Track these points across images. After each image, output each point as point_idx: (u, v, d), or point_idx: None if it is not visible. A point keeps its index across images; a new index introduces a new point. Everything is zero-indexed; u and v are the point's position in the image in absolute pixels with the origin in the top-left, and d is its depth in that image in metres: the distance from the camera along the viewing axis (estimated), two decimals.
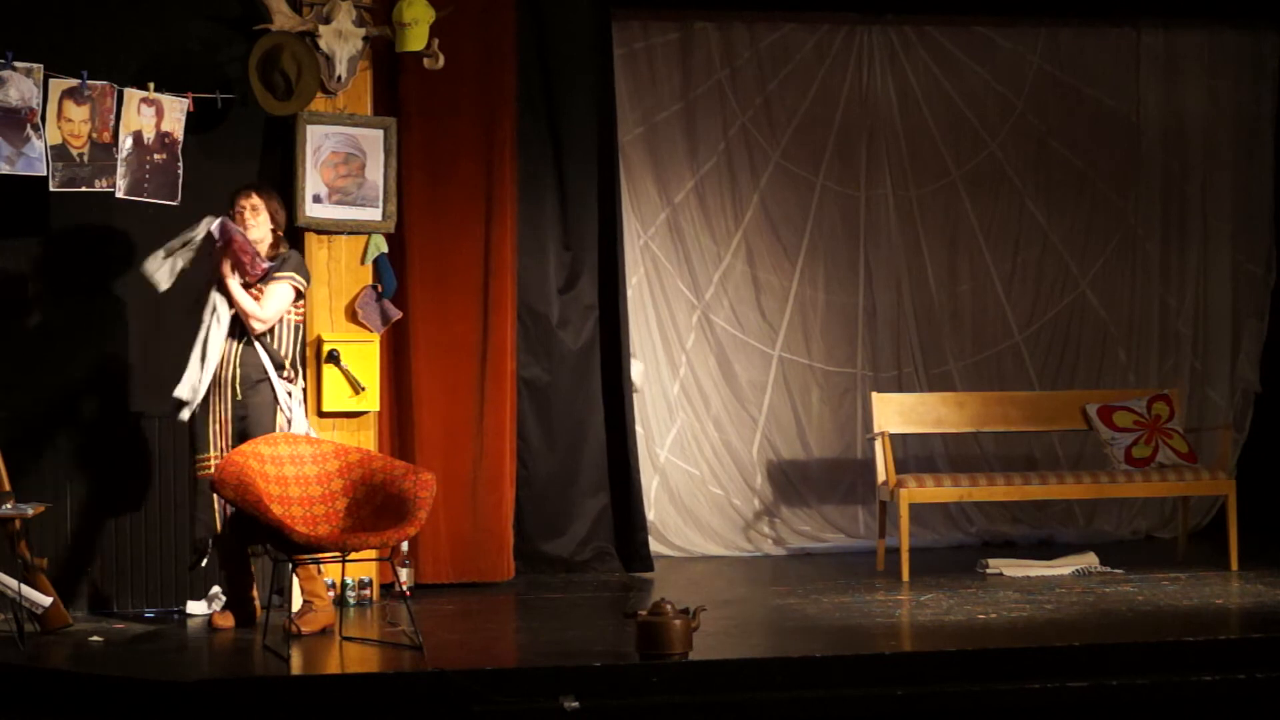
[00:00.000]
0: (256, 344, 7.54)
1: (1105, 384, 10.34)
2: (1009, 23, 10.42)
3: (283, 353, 7.60)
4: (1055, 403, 9.70)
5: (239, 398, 7.52)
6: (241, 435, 7.49)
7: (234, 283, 7.53)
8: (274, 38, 8.11)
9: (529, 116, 9.10)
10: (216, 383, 7.56)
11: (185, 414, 7.52)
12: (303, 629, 7.31)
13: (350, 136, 8.32)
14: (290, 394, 7.59)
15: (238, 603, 7.61)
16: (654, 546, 9.47)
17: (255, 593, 7.65)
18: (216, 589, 7.97)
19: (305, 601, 7.51)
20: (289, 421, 7.55)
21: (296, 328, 7.68)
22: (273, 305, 7.53)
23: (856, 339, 10.32)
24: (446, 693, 6.20)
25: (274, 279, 7.56)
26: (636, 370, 9.61)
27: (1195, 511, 10.23)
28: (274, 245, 7.66)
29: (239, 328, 7.56)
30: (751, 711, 6.34)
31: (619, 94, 9.62)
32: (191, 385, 7.49)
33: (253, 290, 7.56)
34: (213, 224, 7.49)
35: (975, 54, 10.43)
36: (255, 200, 7.65)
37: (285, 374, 7.60)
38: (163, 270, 7.62)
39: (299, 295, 7.64)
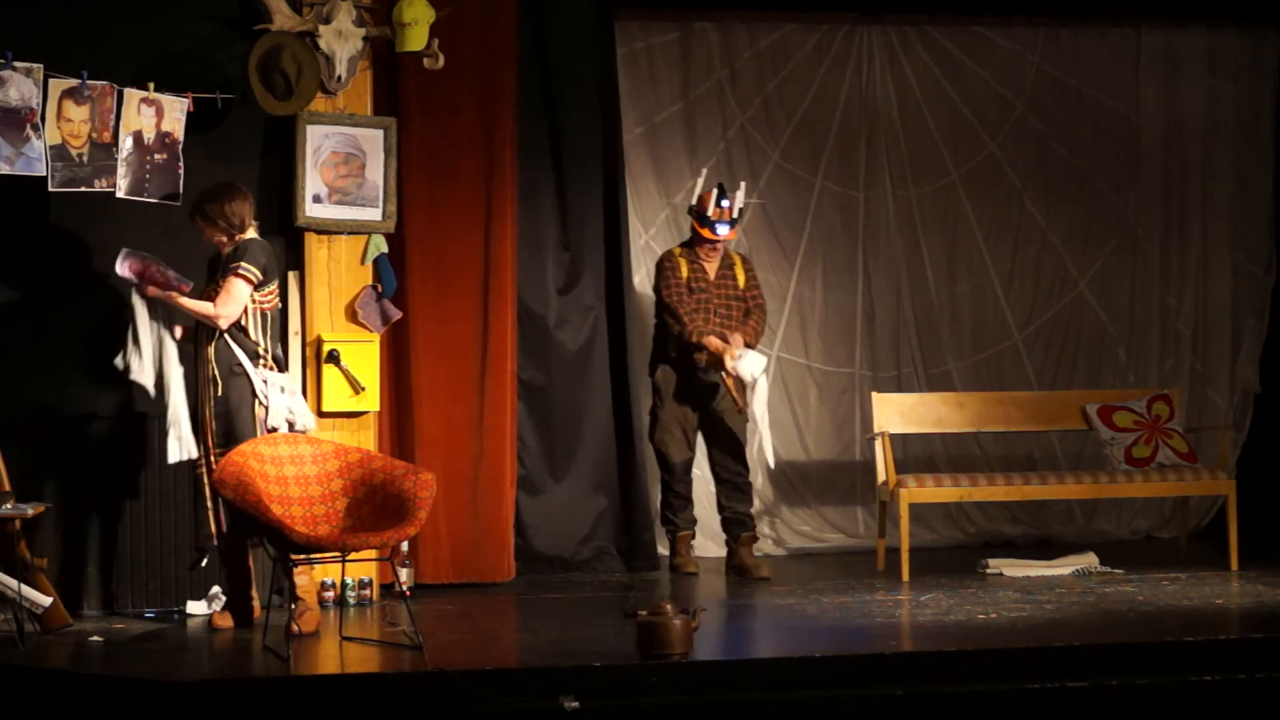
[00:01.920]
0: (228, 337, 7.53)
1: (1105, 384, 10.34)
2: (1009, 23, 10.42)
3: (253, 340, 7.56)
4: (1055, 403, 9.70)
5: (219, 394, 7.52)
6: (225, 431, 7.48)
7: (183, 300, 7.52)
8: (274, 38, 8.11)
9: (529, 116, 9.10)
10: (197, 384, 7.59)
11: (134, 374, 7.63)
12: (303, 629, 7.33)
13: (350, 136, 8.32)
14: (267, 381, 7.55)
15: (237, 602, 7.61)
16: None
17: (255, 592, 7.66)
18: (216, 589, 7.97)
19: (298, 599, 7.51)
20: (266, 410, 7.51)
21: (265, 315, 7.59)
22: (229, 301, 7.47)
23: (855, 339, 10.32)
24: (446, 693, 6.20)
25: (228, 272, 7.52)
26: (755, 363, 8.87)
27: (1195, 511, 10.23)
28: (231, 242, 7.63)
29: (209, 327, 7.54)
30: (751, 711, 6.34)
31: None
32: (128, 362, 7.62)
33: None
34: (119, 267, 7.52)
35: (975, 54, 10.43)
36: (199, 224, 7.63)
37: (264, 363, 7.57)
38: (140, 366, 7.65)
39: (259, 284, 7.55)
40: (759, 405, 8.92)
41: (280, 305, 7.74)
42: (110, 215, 8.07)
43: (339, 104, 8.33)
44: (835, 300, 10.31)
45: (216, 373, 7.51)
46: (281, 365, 7.69)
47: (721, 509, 9.11)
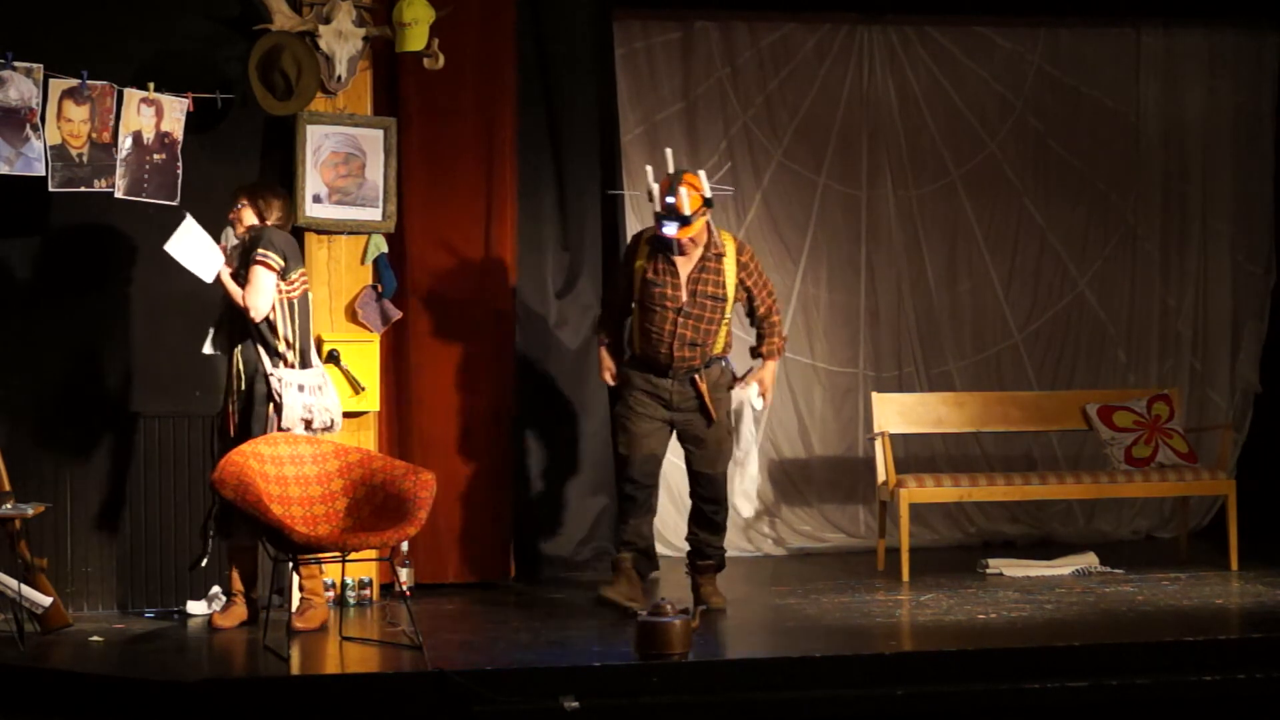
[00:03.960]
0: (254, 337, 7.53)
1: (1104, 384, 10.34)
2: (1009, 23, 10.42)
3: (281, 335, 7.55)
4: (1055, 403, 9.71)
5: (241, 389, 7.52)
6: (243, 428, 7.48)
7: (226, 278, 7.52)
8: (274, 38, 8.12)
9: (529, 116, 9.10)
10: (230, 378, 7.60)
11: None
12: (302, 626, 7.33)
13: (350, 136, 8.32)
14: (282, 380, 7.53)
15: (245, 600, 7.65)
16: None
17: (255, 594, 7.66)
18: (216, 589, 7.97)
19: (304, 599, 7.53)
20: (278, 408, 7.49)
21: (293, 305, 7.57)
22: (256, 291, 7.46)
23: (859, 338, 10.33)
24: (446, 693, 6.20)
25: (250, 262, 7.51)
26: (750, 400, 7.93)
27: (1195, 511, 10.24)
28: (249, 230, 7.63)
29: (241, 325, 7.55)
30: (751, 711, 6.34)
31: (619, 93, 9.63)
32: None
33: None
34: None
35: (975, 54, 10.43)
36: (240, 200, 7.65)
37: (285, 361, 7.55)
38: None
39: (282, 272, 7.52)
40: (745, 435, 7.95)
41: (308, 293, 7.71)
42: (110, 215, 8.07)
43: (339, 104, 8.33)
44: (840, 300, 10.31)
45: (241, 370, 7.52)
46: (306, 359, 7.66)
47: (690, 533, 8.08)
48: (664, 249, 7.81)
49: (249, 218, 7.61)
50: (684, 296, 7.77)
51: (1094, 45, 10.57)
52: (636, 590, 7.82)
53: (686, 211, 7.64)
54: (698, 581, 8.02)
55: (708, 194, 7.76)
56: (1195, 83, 10.65)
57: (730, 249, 7.88)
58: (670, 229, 7.68)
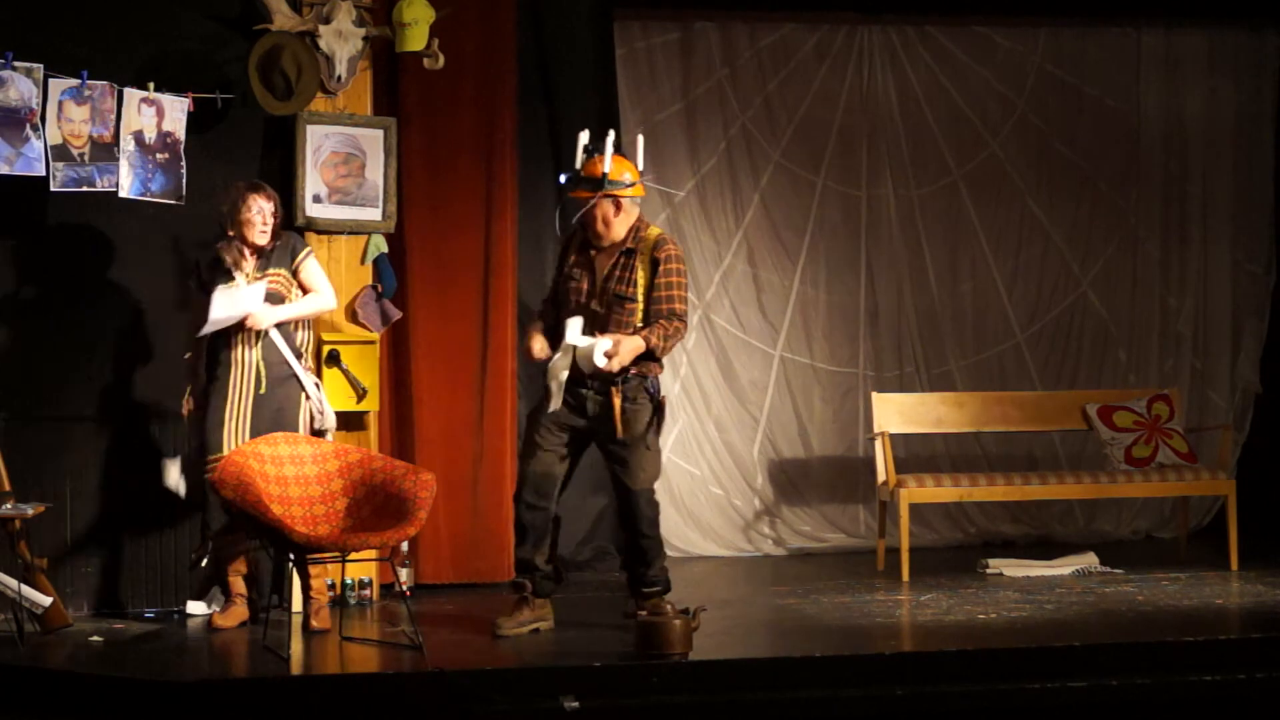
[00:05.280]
0: (275, 336, 7.52)
1: (1105, 384, 10.34)
2: (1009, 23, 10.43)
3: (299, 340, 7.59)
4: (1055, 403, 9.71)
5: (263, 392, 7.50)
6: (269, 430, 7.43)
7: (297, 306, 7.55)
8: (274, 38, 8.12)
9: (529, 116, 9.11)
10: (232, 382, 7.55)
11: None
12: (318, 626, 7.40)
13: (350, 136, 8.32)
14: (318, 385, 7.62)
15: (246, 600, 7.65)
16: None
17: (254, 594, 7.67)
18: (216, 588, 7.97)
19: (313, 598, 7.52)
20: (320, 412, 7.54)
21: None
22: (326, 282, 7.65)
23: (859, 339, 10.32)
24: (446, 693, 6.20)
25: (300, 261, 7.61)
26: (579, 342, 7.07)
27: (1195, 511, 10.24)
28: (273, 237, 7.65)
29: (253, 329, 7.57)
30: (751, 711, 6.34)
31: (619, 93, 9.63)
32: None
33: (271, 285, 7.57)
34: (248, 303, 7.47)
35: (976, 54, 10.43)
36: (275, 201, 7.65)
37: (305, 363, 7.59)
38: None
39: None
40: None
41: None
42: (111, 215, 8.07)
43: (339, 104, 8.34)
44: (839, 300, 10.31)
45: (264, 372, 7.49)
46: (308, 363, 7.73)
47: (622, 563, 7.62)
48: (580, 228, 7.20)
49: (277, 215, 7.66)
50: (600, 292, 7.16)
51: (1095, 45, 10.58)
52: (543, 610, 7.30)
53: (576, 165, 7.11)
54: (643, 608, 6.96)
55: (605, 168, 7.07)
56: (1195, 83, 10.65)
57: (646, 247, 7.13)
58: (563, 177, 7.26)
